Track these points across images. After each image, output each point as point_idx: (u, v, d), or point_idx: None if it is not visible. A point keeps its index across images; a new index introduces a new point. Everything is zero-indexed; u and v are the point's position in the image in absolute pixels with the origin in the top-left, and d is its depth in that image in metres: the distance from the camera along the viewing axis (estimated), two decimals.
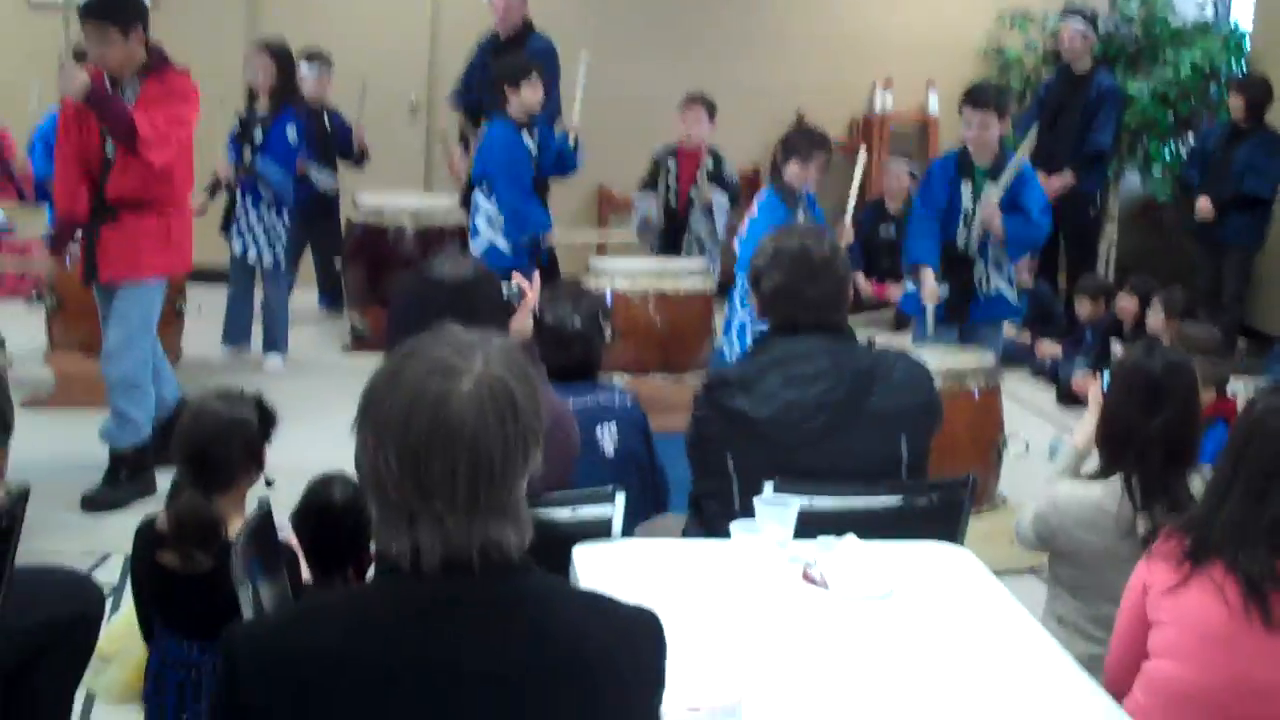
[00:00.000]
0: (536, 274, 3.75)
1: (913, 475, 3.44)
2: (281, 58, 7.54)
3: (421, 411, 1.89)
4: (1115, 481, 3.48)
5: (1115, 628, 3.03)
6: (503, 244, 7.18)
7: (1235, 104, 8.47)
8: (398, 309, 3.34)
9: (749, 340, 6.10)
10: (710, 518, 3.36)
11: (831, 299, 3.51)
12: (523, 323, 3.49)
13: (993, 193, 5.95)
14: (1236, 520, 2.75)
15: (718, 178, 7.58)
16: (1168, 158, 9.40)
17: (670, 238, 7.66)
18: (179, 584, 3.23)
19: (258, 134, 7.41)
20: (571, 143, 7.45)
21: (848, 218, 6.60)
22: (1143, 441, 3.44)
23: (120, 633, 3.66)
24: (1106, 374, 3.69)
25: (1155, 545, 2.91)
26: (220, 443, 3.27)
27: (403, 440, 1.88)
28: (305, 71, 8.07)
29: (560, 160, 7.50)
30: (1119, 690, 2.86)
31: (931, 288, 5.99)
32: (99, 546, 4.90)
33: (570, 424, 3.40)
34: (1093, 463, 3.66)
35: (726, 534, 3.03)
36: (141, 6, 5.46)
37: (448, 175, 8.94)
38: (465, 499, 1.90)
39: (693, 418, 3.51)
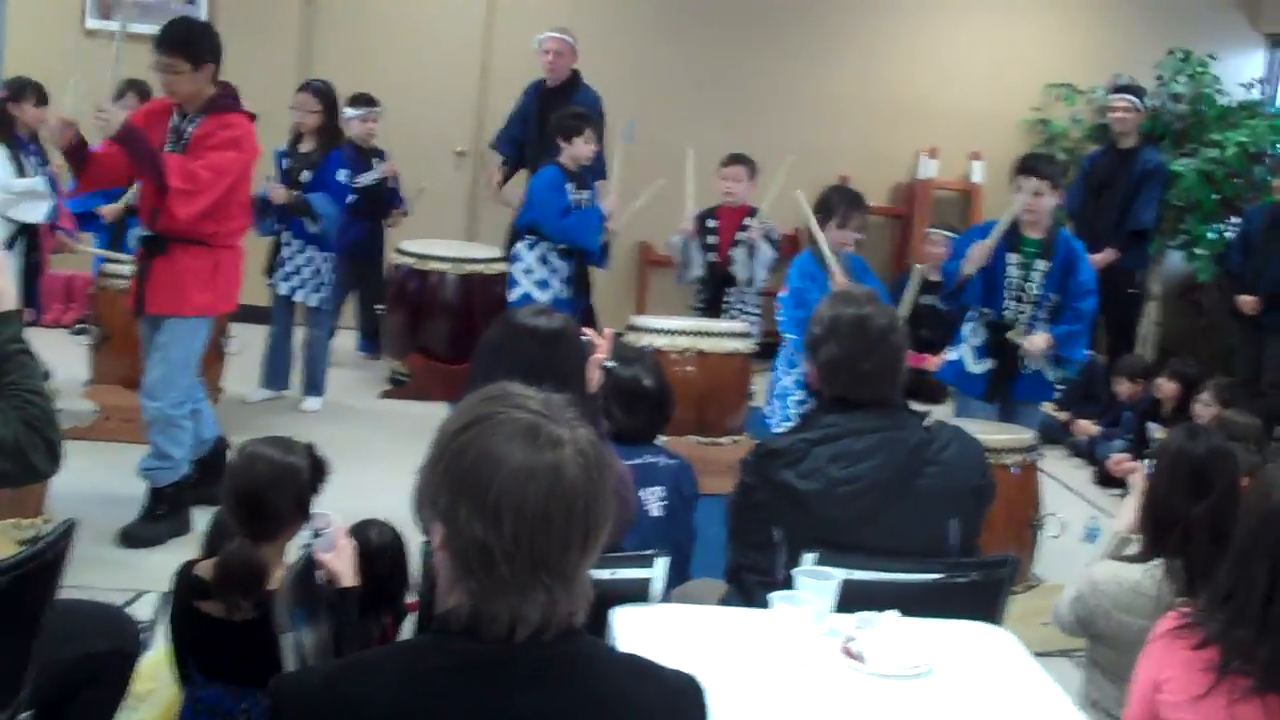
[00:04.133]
0: (609, 330, 3.76)
1: (963, 556, 3.38)
2: (327, 99, 7.61)
3: (538, 484, 1.89)
4: (1155, 565, 3.47)
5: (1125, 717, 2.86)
6: (540, 295, 7.24)
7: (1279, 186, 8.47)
8: (484, 355, 3.35)
9: (791, 405, 6.10)
10: (750, 588, 3.33)
11: (888, 372, 3.44)
12: (594, 375, 3.51)
13: (1036, 338, 5.97)
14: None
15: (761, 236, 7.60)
16: (1211, 238, 9.40)
17: (711, 298, 7.67)
18: (218, 631, 3.24)
19: (305, 175, 7.47)
20: (605, 239, 7.57)
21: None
22: (1186, 526, 3.43)
23: (152, 673, 3.67)
24: (1151, 460, 3.69)
25: (1165, 638, 2.73)
26: (274, 490, 3.29)
27: (519, 514, 1.88)
28: (351, 114, 8.15)
29: (596, 254, 7.60)
30: None
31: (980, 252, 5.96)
32: (134, 583, 4.89)
33: (630, 487, 3.41)
34: (1134, 548, 3.64)
35: (766, 604, 3.02)
36: (216, 43, 5.49)
37: (492, 219, 9.04)
38: (572, 566, 1.92)
39: (739, 484, 3.47)
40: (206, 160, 5.33)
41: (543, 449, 1.90)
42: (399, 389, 8.13)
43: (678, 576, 3.94)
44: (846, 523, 3.26)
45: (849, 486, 3.28)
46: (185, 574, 3.37)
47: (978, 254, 5.94)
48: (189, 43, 5.36)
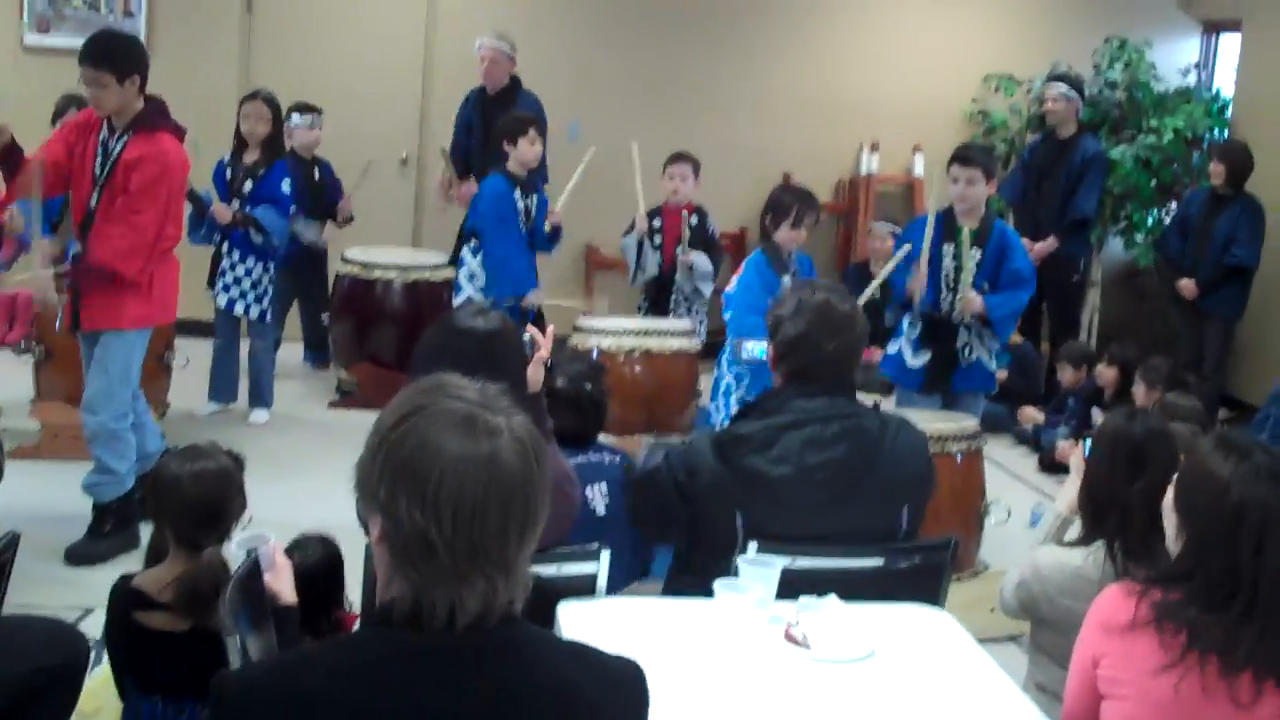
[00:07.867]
0: (551, 327, 3.77)
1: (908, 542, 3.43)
2: (276, 108, 7.57)
3: (476, 472, 1.90)
4: (1097, 548, 3.50)
5: (1065, 695, 2.92)
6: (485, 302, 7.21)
7: (1216, 171, 8.52)
8: (424, 357, 3.35)
9: (734, 402, 6.12)
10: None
11: (848, 356, 3.52)
12: (536, 374, 3.53)
13: (972, 296, 6.00)
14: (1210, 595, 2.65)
15: (701, 235, 7.60)
16: (1150, 224, 9.48)
17: (657, 297, 7.69)
18: (158, 643, 3.23)
19: (247, 185, 7.42)
20: (548, 228, 7.50)
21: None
22: (1124, 508, 3.46)
23: (99, 691, 3.65)
24: (1088, 440, 3.72)
25: (1104, 614, 2.78)
26: (226, 497, 3.36)
27: (457, 503, 1.89)
28: (296, 122, 8.12)
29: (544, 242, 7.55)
30: None
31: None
32: (82, 600, 4.85)
33: (574, 483, 3.42)
34: (1076, 529, 3.68)
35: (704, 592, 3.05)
36: (141, 55, 5.43)
37: (437, 225, 9.00)
38: (512, 553, 1.93)
39: (689, 467, 3.44)
40: (138, 206, 5.31)
41: (479, 438, 1.91)
42: (347, 399, 8.10)
43: (636, 572, 3.96)
44: (811, 508, 3.31)
45: (821, 471, 3.33)
46: (122, 588, 3.37)
47: (917, 276, 6.00)
48: (113, 56, 5.30)
